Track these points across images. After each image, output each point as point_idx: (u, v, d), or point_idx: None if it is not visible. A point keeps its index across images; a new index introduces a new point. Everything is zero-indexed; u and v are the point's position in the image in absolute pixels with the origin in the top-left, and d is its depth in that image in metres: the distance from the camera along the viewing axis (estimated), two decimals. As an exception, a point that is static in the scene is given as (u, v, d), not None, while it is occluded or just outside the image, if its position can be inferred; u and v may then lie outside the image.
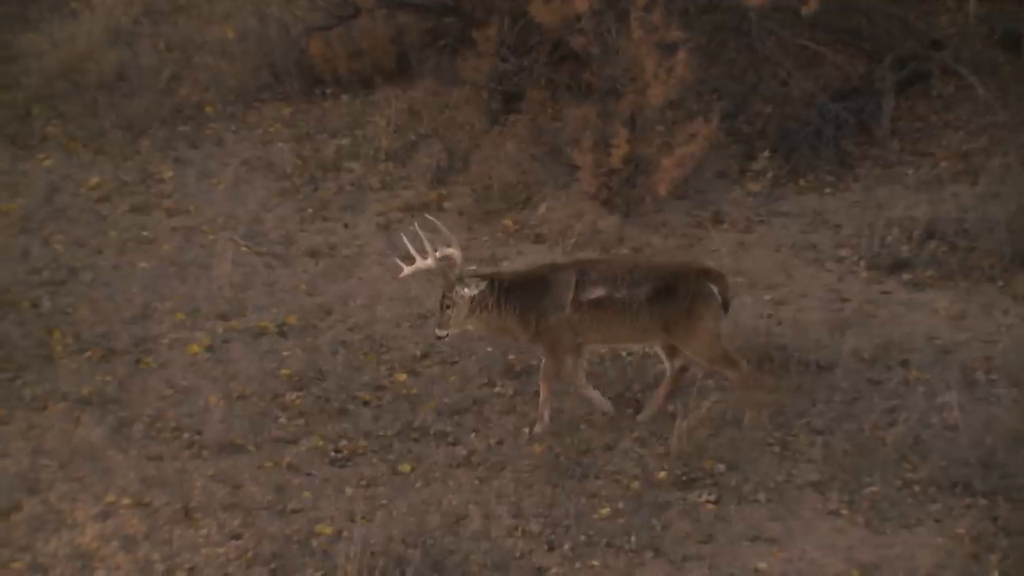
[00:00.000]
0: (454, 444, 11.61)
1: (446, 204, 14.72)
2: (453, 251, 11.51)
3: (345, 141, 15.56)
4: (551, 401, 11.71)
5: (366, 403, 12.03)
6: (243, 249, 14.06)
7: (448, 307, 11.54)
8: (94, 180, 15.04)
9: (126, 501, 10.84)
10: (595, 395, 11.86)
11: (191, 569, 10.27)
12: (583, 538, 10.58)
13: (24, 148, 15.52)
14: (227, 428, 11.66)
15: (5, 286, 13.39)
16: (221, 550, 10.43)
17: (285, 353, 12.61)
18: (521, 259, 13.93)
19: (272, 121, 15.98)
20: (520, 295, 11.60)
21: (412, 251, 11.57)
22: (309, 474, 11.27)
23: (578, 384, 11.84)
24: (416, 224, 11.77)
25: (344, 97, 16.18)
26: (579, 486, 11.09)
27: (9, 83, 16.39)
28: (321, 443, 11.55)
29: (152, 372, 12.37)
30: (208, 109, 16.14)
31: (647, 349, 12.11)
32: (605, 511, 10.84)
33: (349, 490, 11.09)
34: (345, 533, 10.49)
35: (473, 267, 13.49)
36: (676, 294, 11.53)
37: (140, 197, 14.83)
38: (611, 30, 14.36)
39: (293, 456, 11.42)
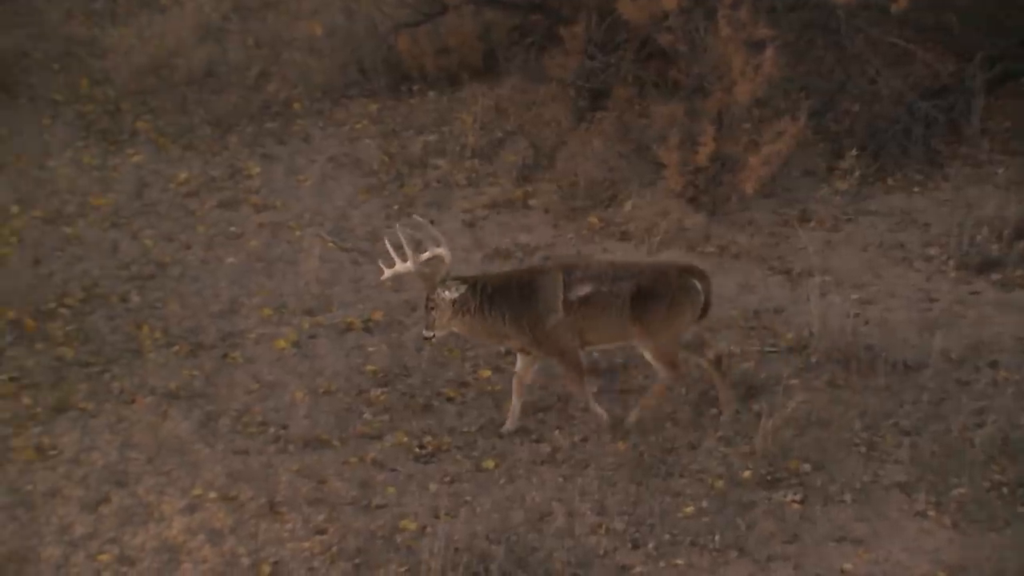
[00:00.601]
0: (538, 441, 11.60)
1: (531, 201, 14.71)
2: (442, 252, 11.47)
3: (432, 138, 15.58)
4: (590, 395, 11.73)
5: (450, 399, 12.04)
6: (329, 245, 14.11)
7: (432, 309, 11.50)
8: (183, 176, 15.14)
9: (212, 495, 10.90)
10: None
11: (276, 563, 10.31)
12: (667, 537, 10.54)
13: (114, 144, 15.65)
14: (312, 423, 11.70)
15: (95, 280, 13.52)
16: (306, 544, 10.47)
17: (370, 349, 12.64)
18: (607, 257, 13.90)
19: (359, 118, 16.03)
20: (507, 300, 11.53)
21: (393, 254, 11.54)
22: (393, 470, 11.29)
23: (518, 391, 11.86)
24: (398, 226, 11.70)
25: (431, 94, 16.21)
26: (663, 484, 11.05)
27: (99, 79, 16.53)
28: (405, 439, 11.57)
29: (239, 367, 12.44)
30: (296, 105, 16.22)
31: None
32: (689, 510, 10.80)
33: (433, 486, 11.10)
34: (429, 529, 10.51)
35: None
36: (659, 289, 11.50)
37: (228, 193, 14.92)
38: (699, 27, 14.30)
39: (378, 452, 11.44)
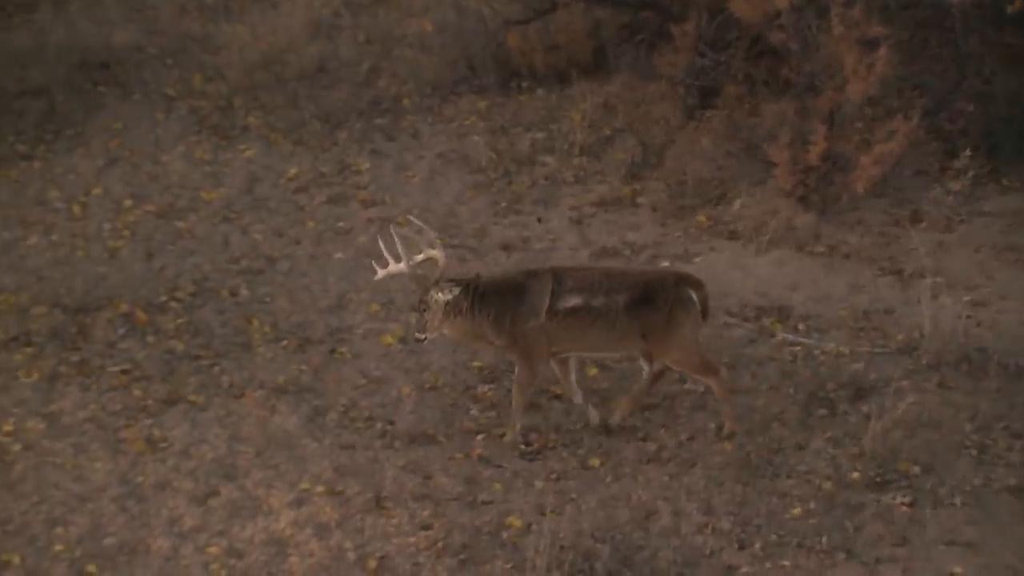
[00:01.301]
0: (644, 440, 11.56)
1: (639, 199, 14.66)
2: (436, 253, 11.42)
3: (540, 135, 15.57)
4: (524, 409, 11.61)
5: (557, 397, 12.02)
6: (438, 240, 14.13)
7: (424, 310, 11.45)
8: (293, 171, 15.23)
9: (319, 489, 10.96)
10: (591, 412, 11.76)
11: (382, 558, 10.35)
12: (774, 537, 10.48)
13: (225, 138, 15.77)
14: (419, 419, 11.74)
15: (205, 274, 13.63)
16: (412, 540, 10.50)
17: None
18: (715, 255, 13.84)
19: (468, 114, 16.05)
20: (495, 301, 11.46)
21: (386, 254, 11.51)
22: (499, 466, 11.29)
23: (570, 391, 11.81)
24: (392, 226, 11.67)
25: (540, 91, 16.19)
26: (770, 485, 10.98)
27: (212, 74, 16.66)
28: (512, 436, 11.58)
29: (346, 362, 12.49)
30: (405, 102, 16.26)
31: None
32: (797, 511, 10.72)
33: (539, 483, 11.10)
34: (534, 526, 10.50)
35: (665, 262, 13.50)
36: (655, 302, 11.39)
37: (337, 188, 14.99)
38: (811, 25, 14.18)
39: (484, 448, 11.45)
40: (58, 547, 10.44)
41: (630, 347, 11.54)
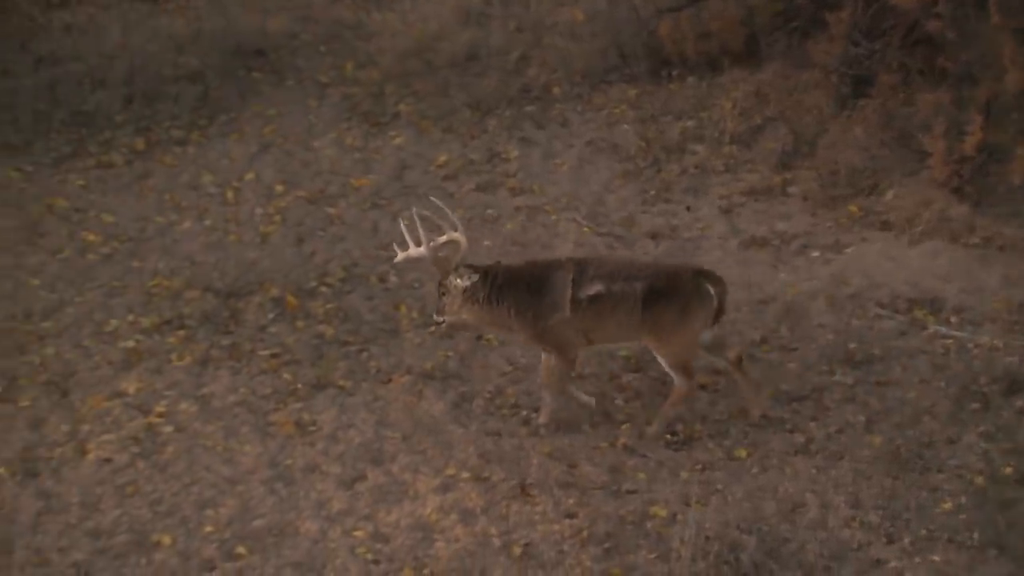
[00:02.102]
0: (791, 431, 11.46)
1: (790, 189, 14.53)
2: (458, 237, 11.34)
3: (690, 123, 15.48)
4: (557, 399, 11.56)
5: (703, 387, 11.95)
6: (585, 229, 14.12)
7: (443, 294, 11.41)
8: (442, 158, 15.29)
9: (465, 475, 10.99)
10: (577, 393, 11.69)
11: (527, 545, 10.35)
12: (923, 532, 10.34)
13: (376, 125, 15.86)
14: (564, 407, 11.71)
15: (355, 260, 13.73)
16: (556, 527, 10.49)
17: (626, 334, 12.62)
18: (866, 246, 13.67)
19: (618, 102, 15.99)
20: (516, 292, 11.38)
21: (407, 237, 11.43)
22: (644, 456, 11.25)
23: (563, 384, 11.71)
24: (415, 209, 11.55)
25: (690, 79, 16.09)
26: (920, 479, 10.84)
27: (364, 62, 16.77)
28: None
29: (493, 349, 12.51)
30: (555, 90, 16.25)
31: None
32: (947, 505, 10.57)
33: (684, 474, 11.04)
34: (679, 516, 10.45)
35: (815, 253, 13.37)
36: (672, 292, 11.27)
37: (486, 176, 15.02)
38: (968, 14, 13.95)
39: (628, 437, 11.42)
40: (208, 528, 10.57)
41: (638, 337, 11.44)
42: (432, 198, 12.04)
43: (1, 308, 12.97)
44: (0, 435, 11.48)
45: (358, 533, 10.52)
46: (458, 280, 11.33)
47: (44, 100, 15.81)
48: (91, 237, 14.11)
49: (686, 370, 11.38)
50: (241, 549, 10.39)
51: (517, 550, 10.31)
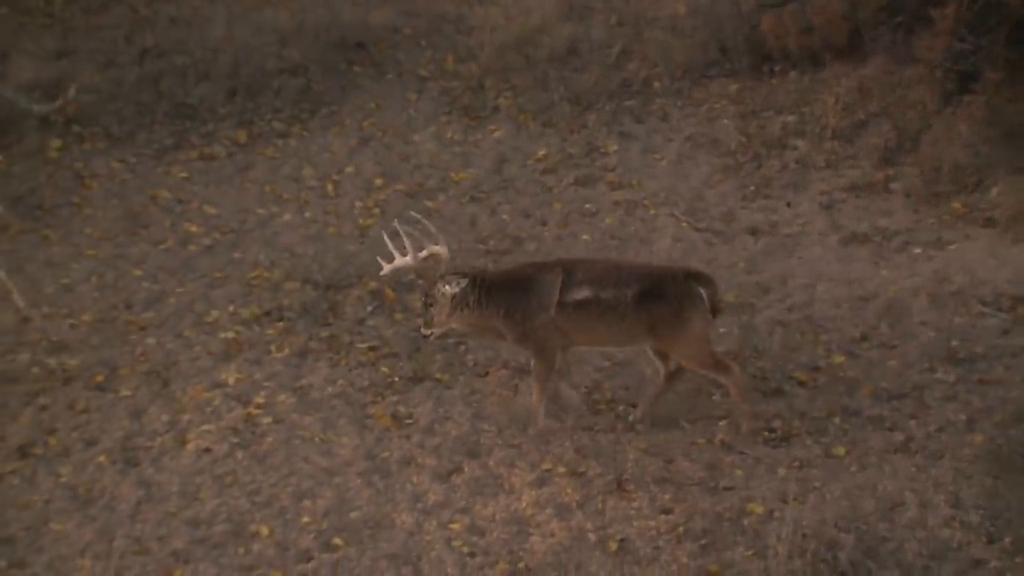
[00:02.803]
0: (891, 429, 11.36)
1: (892, 185, 14.38)
2: (439, 249, 11.22)
3: (791, 118, 15.36)
4: (544, 400, 11.44)
5: (802, 384, 11.88)
6: (683, 225, 14.06)
7: (431, 305, 11.28)
8: (541, 152, 15.27)
9: (561, 469, 10.98)
10: (562, 385, 11.63)
11: (622, 540, 10.33)
12: (1024, 533, 10.22)
13: (476, 119, 15.87)
14: (661, 402, 11.67)
15: (453, 254, 13.72)
16: (652, 523, 10.46)
17: (721, 330, 12.53)
18: (969, 243, 13.52)
19: (718, 97, 15.90)
20: (504, 295, 11.28)
21: (392, 249, 11.30)
22: (742, 452, 11.19)
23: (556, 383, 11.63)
24: (397, 221, 11.46)
25: (792, 74, 15.95)
26: (1022, 478, 10.68)
27: (465, 55, 16.78)
28: (755, 422, 11.44)
29: (590, 343, 12.50)
30: (655, 84, 16.18)
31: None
32: (1049, 507, 10.44)
33: (782, 471, 10.97)
34: (776, 514, 10.39)
35: (917, 249, 13.25)
36: (663, 296, 11.14)
37: (585, 170, 14.99)
38: (1077, 9, 13.78)
39: (726, 434, 11.36)
40: (305, 519, 10.64)
41: (639, 342, 11.38)
42: (412, 213, 11.93)
43: (103, 298, 13.12)
44: (101, 424, 11.61)
45: (454, 526, 10.54)
46: (446, 287, 11.24)
47: (148, 92, 15.96)
48: (193, 228, 14.23)
49: (718, 365, 11.31)
50: (338, 540, 10.44)
51: (613, 545, 10.29)
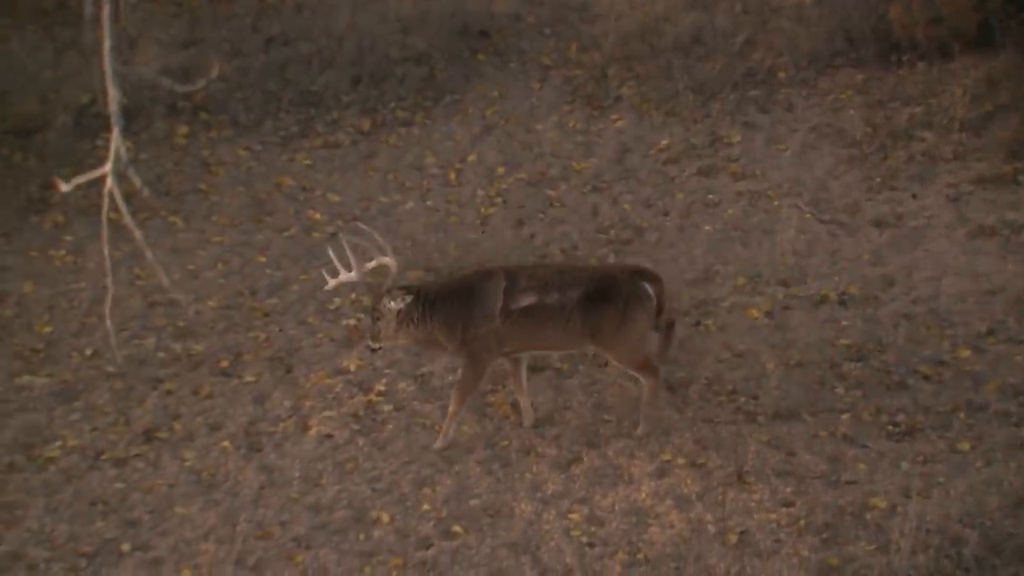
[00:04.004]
0: (1017, 425, 11.21)
1: (1021, 177, 14.17)
2: (387, 261, 11.02)
3: (918, 110, 15.18)
4: (459, 416, 11.29)
5: (926, 378, 11.75)
6: (807, 216, 13.96)
7: (378, 319, 11.08)
8: (664, 142, 15.23)
9: (681, 461, 10.95)
10: (525, 403, 11.45)
11: (742, 533, 10.29)
12: None
13: (598, 108, 15.86)
14: (783, 395, 11.61)
15: (574, 243, 13.75)
16: (773, 516, 10.40)
17: (844, 323, 12.45)
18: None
19: (844, 87, 15.76)
20: (446, 306, 11.08)
21: (337, 263, 11.10)
22: (864, 446, 11.09)
23: (519, 391, 11.47)
24: (342, 235, 11.36)
25: (920, 64, 15.76)
26: None
27: (588, 44, 16.76)
28: (878, 416, 11.35)
29: (711, 335, 12.44)
30: (780, 74, 16.07)
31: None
32: None
33: (905, 465, 10.87)
34: (899, 508, 10.30)
35: None
36: (609, 298, 10.94)
37: (707, 160, 14.93)
38: None
39: (849, 427, 11.26)
40: (425, 506, 10.69)
41: (580, 345, 11.22)
42: (360, 224, 11.83)
43: (228, 285, 13.27)
44: (225, 409, 11.73)
45: (573, 516, 10.55)
46: (391, 303, 11.06)
47: (273, 80, 16.11)
48: (316, 216, 14.35)
49: (645, 366, 11.17)
50: (457, 528, 10.49)
51: (733, 537, 10.25)
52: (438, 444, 11.25)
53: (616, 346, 11.10)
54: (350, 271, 11.08)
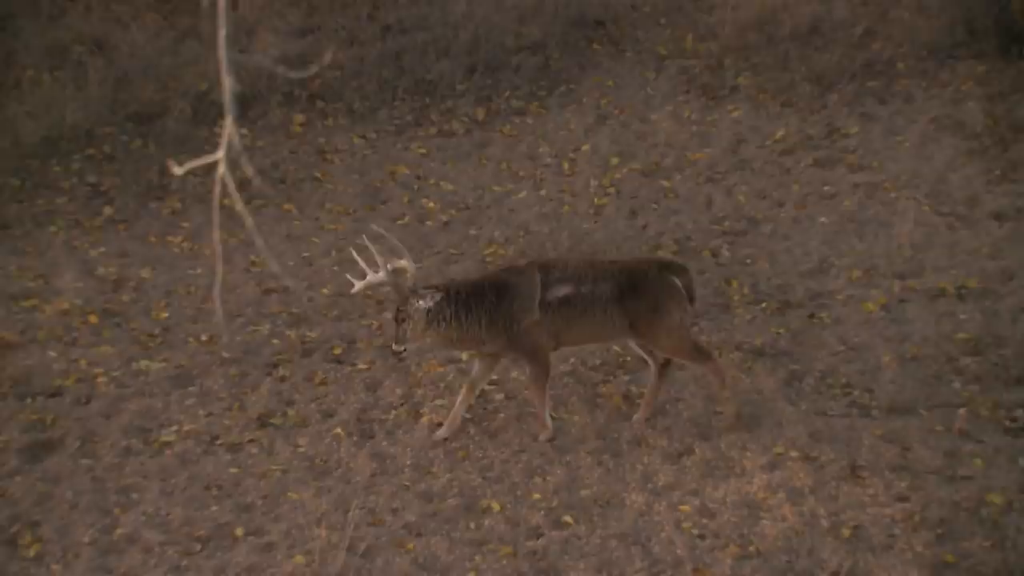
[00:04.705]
0: None
1: None
2: (405, 263, 10.81)
3: (1040, 101, 14.99)
4: (548, 403, 11.20)
5: (1043, 373, 11.60)
6: (925, 208, 13.80)
7: (403, 320, 10.86)
8: (780, 133, 15.12)
9: (794, 454, 10.87)
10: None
11: (856, 527, 10.19)
12: None
13: (714, 99, 15.77)
14: (898, 389, 11.49)
15: (688, 234, 13.69)
16: (887, 511, 10.29)
17: (962, 316, 12.30)
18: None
19: (964, 79, 15.56)
20: (483, 303, 10.89)
21: (363, 265, 10.90)
22: (981, 441, 10.95)
23: (473, 387, 11.34)
24: (365, 236, 11.15)
25: (1042, 56, 15.56)
26: None
27: (704, 34, 16.68)
28: (995, 411, 11.20)
29: (825, 327, 12.34)
30: (899, 65, 15.90)
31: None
32: None
33: (1022, 461, 10.71)
34: (1016, 504, 10.18)
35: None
36: (640, 290, 10.84)
37: (824, 152, 14.80)
38: None
39: (965, 422, 11.11)
40: (536, 496, 10.68)
41: (621, 337, 11.12)
42: (374, 226, 11.72)
43: (342, 273, 13.32)
44: (338, 396, 11.79)
45: (684, 508, 10.49)
46: (420, 302, 10.89)
47: (389, 68, 16.17)
48: (430, 204, 14.39)
49: (699, 355, 11.13)
50: (568, 518, 10.47)
51: (846, 532, 10.15)
52: (543, 436, 11.24)
53: (657, 338, 11.08)
54: (377, 272, 10.89)
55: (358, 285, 11.01)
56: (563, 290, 11.01)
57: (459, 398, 11.33)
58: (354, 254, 11.11)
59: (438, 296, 10.91)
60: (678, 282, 11.09)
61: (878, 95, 15.57)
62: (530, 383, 11.26)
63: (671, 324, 11.04)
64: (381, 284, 10.95)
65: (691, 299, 11.18)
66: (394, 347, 11.04)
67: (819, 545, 10.06)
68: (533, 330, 11.03)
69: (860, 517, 10.28)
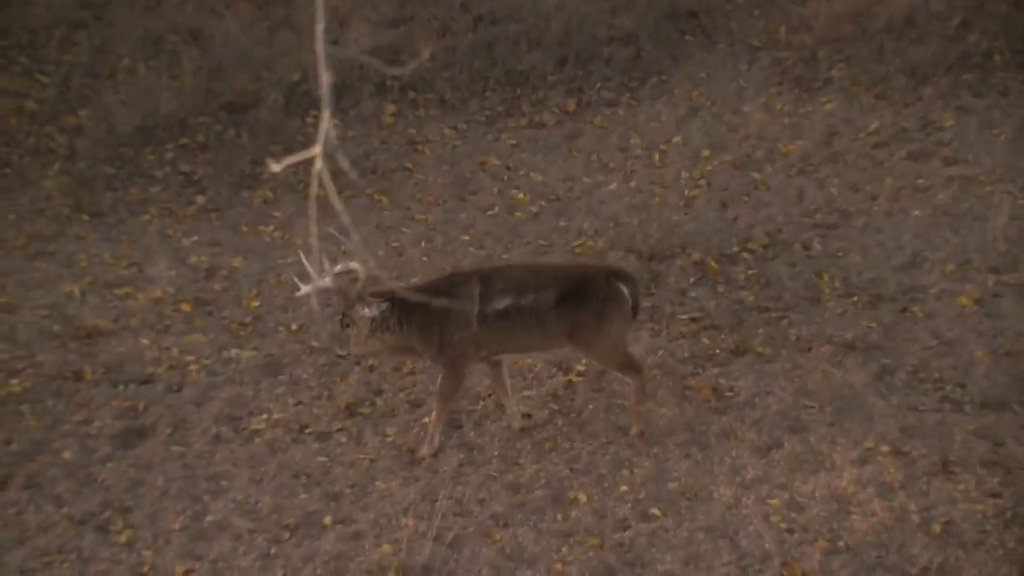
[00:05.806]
0: None
1: None
2: (355, 266, 10.57)
3: None
4: (443, 422, 10.99)
5: None
6: (1020, 202, 13.65)
7: (348, 326, 10.68)
8: (873, 125, 15.01)
9: (884, 448, 10.79)
10: (510, 405, 11.18)
11: (947, 523, 10.10)
12: None
13: (807, 91, 15.68)
14: (991, 384, 11.38)
15: (779, 226, 13.62)
16: (979, 507, 10.20)
17: (1050, 314, 12.19)
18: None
19: (1062, 70, 15.42)
20: (422, 312, 10.63)
21: (309, 268, 10.68)
22: (1076, 439, 10.85)
23: (503, 394, 11.18)
24: (316, 239, 10.76)
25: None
26: None
27: (798, 25, 16.58)
28: (1090, 408, 11.10)
29: (918, 321, 12.24)
30: (996, 57, 15.73)
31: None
32: None
33: (1117, 459, 10.61)
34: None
35: None
36: (585, 296, 10.55)
37: (918, 144, 14.68)
38: None
39: (1059, 419, 11.03)
40: (623, 488, 10.66)
41: (557, 346, 10.87)
42: (330, 230, 11.01)
43: (432, 262, 13.38)
44: (427, 386, 11.83)
45: (773, 501, 10.44)
46: (365, 310, 10.71)
47: (481, 59, 16.19)
48: (520, 195, 14.40)
49: (627, 365, 10.91)
50: (655, 510, 10.44)
51: (937, 527, 10.06)
52: (422, 451, 11.05)
53: (593, 347, 10.87)
54: (322, 276, 10.68)
55: (304, 289, 10.80)
56: (502, 303, 10.76)
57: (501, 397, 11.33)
58: (302, 257, 10.95)
59: (384, 305, 10.74)
60: (625, 290, 10.86)
61: (974, 88, 15.42)
62: (436, 394, 11.02)
63: (611, 332, 10.83)
64: (327, 289, 10.75)
65: (635, 309, 10.95)
66: (338, 351, 10.95)
67: (909, 541, 9.98)
68: (462, 342, 10.80)
69: (951, 513, 10.19)
